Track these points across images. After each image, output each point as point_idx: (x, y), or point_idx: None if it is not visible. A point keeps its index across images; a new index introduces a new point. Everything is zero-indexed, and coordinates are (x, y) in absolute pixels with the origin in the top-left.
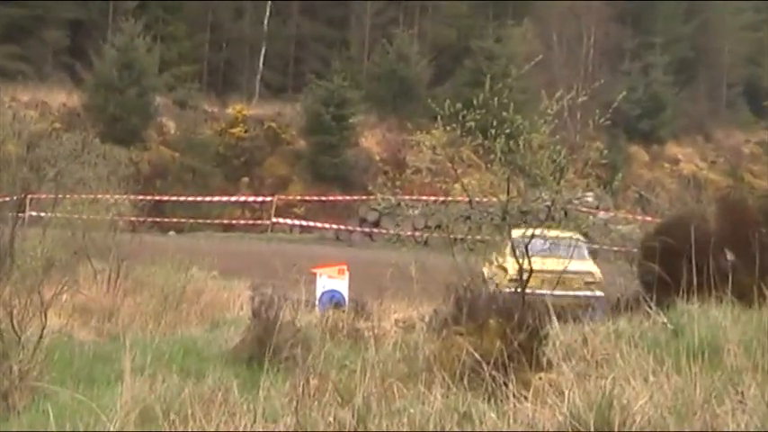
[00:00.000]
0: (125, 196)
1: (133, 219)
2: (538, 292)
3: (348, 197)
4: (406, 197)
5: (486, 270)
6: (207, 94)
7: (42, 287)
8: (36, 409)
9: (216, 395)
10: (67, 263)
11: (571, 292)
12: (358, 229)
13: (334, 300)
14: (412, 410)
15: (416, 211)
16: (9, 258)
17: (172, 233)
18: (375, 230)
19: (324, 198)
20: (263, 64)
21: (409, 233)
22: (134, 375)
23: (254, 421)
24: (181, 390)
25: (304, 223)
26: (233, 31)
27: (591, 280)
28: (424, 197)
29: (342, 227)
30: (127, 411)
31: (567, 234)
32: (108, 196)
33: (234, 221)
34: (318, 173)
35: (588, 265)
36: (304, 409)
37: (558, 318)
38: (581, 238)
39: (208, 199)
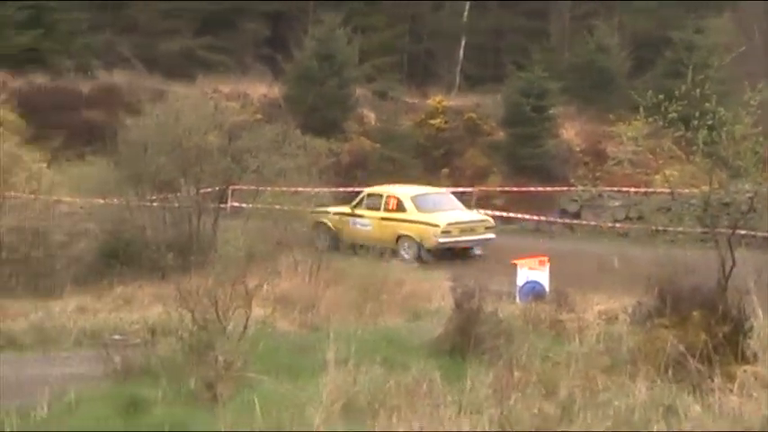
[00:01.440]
0: (326, 189)
1: None
2: (456, 239)
3: (548, 188)
4: (607, 188)
5: (327, 221)
6: (407, 86)
7: (245, 277)
8: (241, 400)
9: (420, 386)
10: (268, 253)
11: (477, 237)
12: (558, 220)
13: (534, 291)
14: (616, 403)
15: (617, 203)
16: (212, 249)
17: None
18: (575, 222)
19: (523, 189)
20: (463, 55)
21: (610, 225)
22: (338, 366)
23: (459, 412)
24: (385, 381)
25: (504, 214)
26: (433, 22)
27: (489, 225)
28: (625, 188)
29: (542, 218)
30: (331, 402)
31: (441, 189)
32: (309, 188)
33: None
34: (518, 164)
35: (479, 214)
36: (508, 400)
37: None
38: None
39: None
